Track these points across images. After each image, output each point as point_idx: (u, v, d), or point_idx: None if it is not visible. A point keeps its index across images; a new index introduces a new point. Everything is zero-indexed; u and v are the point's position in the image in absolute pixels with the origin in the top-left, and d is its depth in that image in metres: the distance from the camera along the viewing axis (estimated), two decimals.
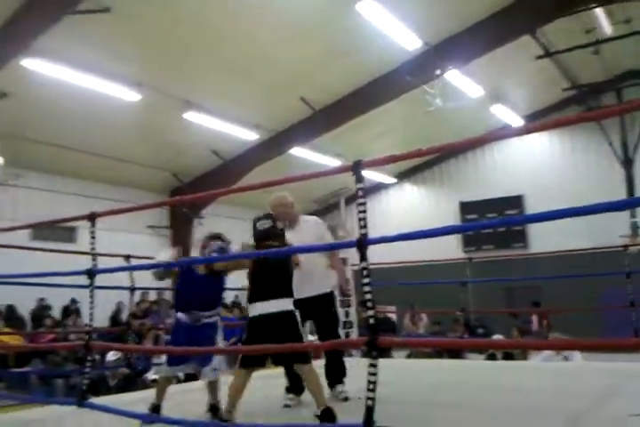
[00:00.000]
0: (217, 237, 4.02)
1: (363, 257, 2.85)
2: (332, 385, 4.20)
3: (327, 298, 4.35)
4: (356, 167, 2.91)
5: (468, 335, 9.59)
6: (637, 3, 10.44)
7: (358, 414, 2.67)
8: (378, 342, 2.69)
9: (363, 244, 2.82)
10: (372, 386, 2.66)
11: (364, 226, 2.89)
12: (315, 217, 4.77)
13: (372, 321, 2.78)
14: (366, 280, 2.86)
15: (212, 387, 3.80)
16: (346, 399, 4.06)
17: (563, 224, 13.43)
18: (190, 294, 3.85)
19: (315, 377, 3.46)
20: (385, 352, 9.15)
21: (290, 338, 3.38)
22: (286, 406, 4.06)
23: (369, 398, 2.64)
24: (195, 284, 3.84)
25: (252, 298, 3.54)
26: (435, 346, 6.35)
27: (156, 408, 3.72)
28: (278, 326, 3.44)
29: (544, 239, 14.56)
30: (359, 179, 2.91)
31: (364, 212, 2.92)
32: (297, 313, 3.52)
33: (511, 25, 10.87)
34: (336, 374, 4.22)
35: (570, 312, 10.33)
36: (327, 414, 3.26)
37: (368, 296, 2.87)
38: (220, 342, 3.92)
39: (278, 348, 3.27)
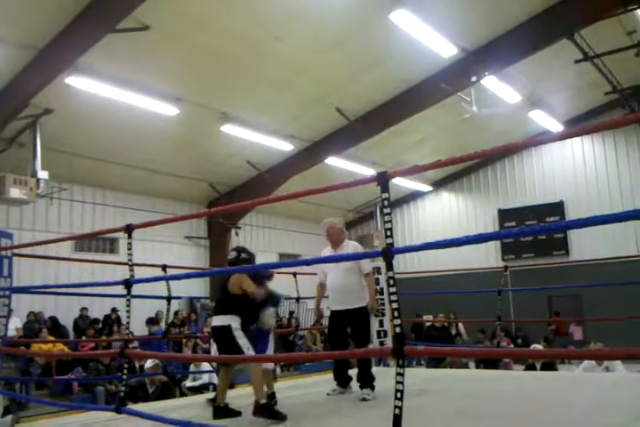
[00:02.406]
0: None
1: (389, 267, 2.87)
2: (361, 388, 4.71)
3: (361, 311, 4.87)
4: (381, 178, 2.93)
5: (511, 345, 9.42)
6: None
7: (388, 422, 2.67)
8: (404, 351, 2.69)
9: (388, 253, 2.84)
10: (399, 395, 2.66)
11: (390, 236, 2.91)
12: (356, 242, 5.23)
13: (398, 330, 2.79)
14: (393, 289, 2.87)
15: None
16: (363, 400, 4.54)
17: (606, 231, 13.26)
18: None
19: (258, 374, 3.96)
20: (440, 362, 9.07)
21: (228, 349, 4.00)
22: (328, 394, 4.81)
23: (396, 407, 2.64)
24: None
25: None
26: (459, 356, 6.28)
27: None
28: (219, 338, 4.14)
29: (586, 247, 14.24)
30: (384, 189, 2.92)
31: (390, 222, 2.93)
32: (234, 328, 4.07)
33: (548, 29, 10.68)
34: (363, 380, 4.72)
35: (608, 321, 9.99)
36: (261, 408, 3.77)
37: (395, 305, 2.88)
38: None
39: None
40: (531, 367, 8.65)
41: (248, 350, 4.02)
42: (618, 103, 14.18)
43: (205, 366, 8.41)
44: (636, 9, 10.40)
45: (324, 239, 5.01)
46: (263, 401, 3.82)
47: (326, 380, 5.12)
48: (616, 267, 10.32)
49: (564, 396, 4.56)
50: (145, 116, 10.33)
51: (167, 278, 5.22)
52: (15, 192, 9.57)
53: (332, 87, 11.43)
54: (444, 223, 17.50)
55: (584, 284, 10.89)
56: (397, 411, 2.66)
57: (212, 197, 14.69)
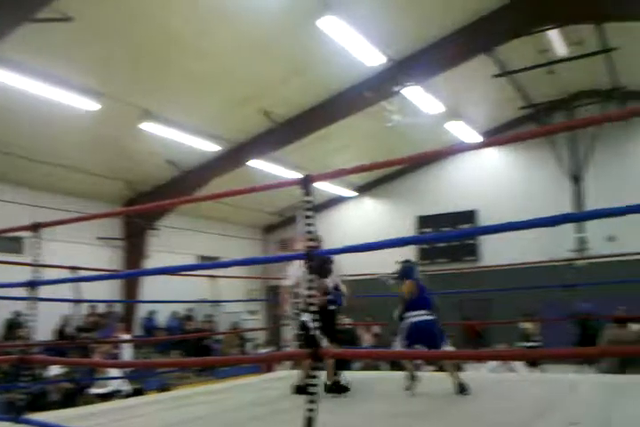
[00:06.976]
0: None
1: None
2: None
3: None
4: (305, 181, 2.92)
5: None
6: (588, 25, 10.83)
7: None
8: (320, 353, 2.68)
9: (310, 257, 2.83)
10: (312, 397, 2.65)
11: (312, 239, 2.90)
12: None
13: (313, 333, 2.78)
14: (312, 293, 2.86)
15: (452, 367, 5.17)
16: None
17: (513, 239, 13.89)
18: None
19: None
20: (345, 364, 9.21)
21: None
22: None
23: (309, 410, 2.63)
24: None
25: None
26: (373, 358, 6.39)
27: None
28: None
29: (495, 253, 14.89)
30: (308, 192, 2.91)
31: (312, 225, 2.92)
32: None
33: (469, 44, 11.14)
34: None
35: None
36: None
37: (313, 309, 2.87)
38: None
39: None
40: (442, 370, 8.88)
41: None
42: (531, 118, 14.97)
43: (113, 372, 8.05)
44: (551, 28, 11.01)
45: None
46: (329, 382, 4.77)
47: (243, 385, 5.02)
48: (523, 273, 10.98)
49: (472, 395, 4.71)
50: (60, 110, 9.83)
51: (76, 280, 4.98)
52: None
53: (258, 89, 11.35)
54: (365, 228, 17.74)
55: (493, 288, 11.38)
56: (310, 414, 2.65)
57: (129, 196, 14.18)
